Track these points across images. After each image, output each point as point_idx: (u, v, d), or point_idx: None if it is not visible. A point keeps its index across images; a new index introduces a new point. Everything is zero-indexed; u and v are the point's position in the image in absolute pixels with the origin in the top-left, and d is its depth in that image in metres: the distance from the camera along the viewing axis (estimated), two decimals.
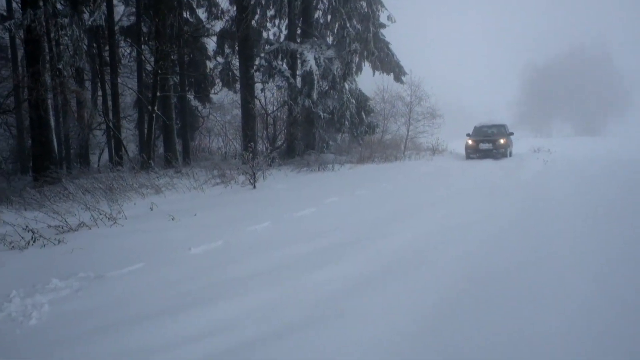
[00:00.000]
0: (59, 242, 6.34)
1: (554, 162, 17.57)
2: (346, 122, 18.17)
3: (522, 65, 72.26)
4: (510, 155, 21.18)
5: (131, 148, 21.39)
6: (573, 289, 4.22)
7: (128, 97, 23.33)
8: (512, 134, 21.69)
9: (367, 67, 22.57)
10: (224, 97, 23.98)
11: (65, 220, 7.25)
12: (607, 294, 4.08)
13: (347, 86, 17.91)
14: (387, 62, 22.18)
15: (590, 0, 76.01)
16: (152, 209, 8.66)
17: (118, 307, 4.14)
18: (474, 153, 20.13)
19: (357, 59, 21.35)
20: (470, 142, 20.46)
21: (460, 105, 58.44)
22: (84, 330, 3.67)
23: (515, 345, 3.27)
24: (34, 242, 6.28)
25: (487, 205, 8.75)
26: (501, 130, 21.37)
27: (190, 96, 22.00)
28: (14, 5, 17.58)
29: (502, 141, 19.86)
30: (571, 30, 71.28)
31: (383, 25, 21.34)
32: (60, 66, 12.83)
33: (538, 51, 71.21)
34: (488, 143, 19.93)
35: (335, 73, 17.66)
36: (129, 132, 23.60)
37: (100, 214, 7.62)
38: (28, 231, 6.41)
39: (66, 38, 12.67)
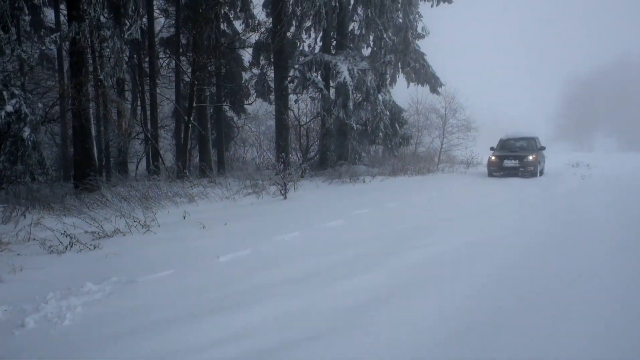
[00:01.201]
0: (95, 247, 6.57)
1: (592, 177, 17.10)
2: (380, 134, 18.19)
3: (563, 77, 70.58)
4: (542, 173, 18.53)
5: (168, 157, 21.93)
6: (599, 311, 4.13)
7: (166, 107, 23.96)
8: (543, 148, 18.98)
9: (401, 78, 22.57)
10: (259, 107, 24.36)
11: (102, 227, 7.51)
12: (632, 316, 3.98)
13: (380, 97, 17.94)
14: (422, 74, 22.11)
15: (634, 8, 73.80)
16: (184, 218, 8.87)
17: (147, 311, 4.27)
18: (497, 171, 17.69)
19: (392, 71, 21.37)
20: (493, 158, 17.92)
21: (497, 118, 57.45)
22: (114, 333, 3.80)
23: None
24: (72, 247, 6.52)
25: (517, 220, 8.62)
26: (531, 144, 18.65)
27: (226, 107, 22.42)
28: (62, 19, 18.41)
29: (530, 158, 17.14)
30: (615, 40, 69.38)
31: (420, 36, 21.30)
32: (102, 77, 13.33)
33: (580, 62, 69.46)
34: (514, 159, 17.33)
35: (369, 84, 17.71)
36: (166, 142, 24.20)
37: (135, 222, 7.85)
38: (66, 236, 6.67)
39: (108, 50, 13.18)
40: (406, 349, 3.44)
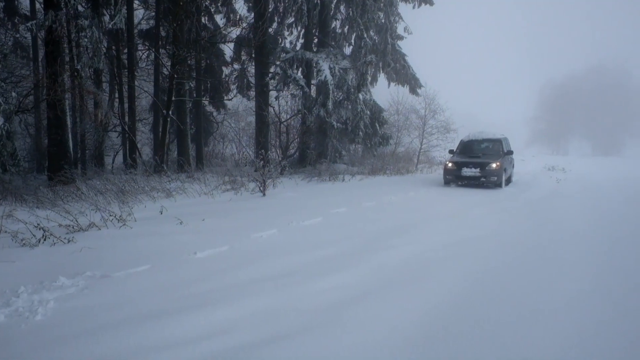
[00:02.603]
0: (69, 241, 6.45)
1: (568, 181, 17.45)
2: (360, 133, 18.25)
3: (541, 82, 71.81)
4: (509, 182, 16.40)
5: (146, 151, 21.65)
6: (577, 308, 4.22)
7: (144, 100, 23.62)
8: (511, 152, 16.23)
9: (382, 78, 22.70)
10: (239, 103, 24.21)
11: (76, 220, 7.37)
12: (613, 311, 4.08)
13: (361, 97, 18.00)
14: (402, 74, 22.27)
15: (610, 17, 75.47)
16: (161, 213, 8.76)
17: (122, 306, 4.21)
18: (454, 180, 15.23)
19: (373, 70, 21.47)
20: (449, 164, 15.27)
21: (476, 119, 58.23)
22: (88, 328, 3.74)
23: None
24: (45, 240, 6.39)
25: (493, 221, 8.74)
26: (496, 147, 15.97)
27: (205, 102, 22.23)
28: (37, 6, 17.99)
29: (494, 165, 14.39)
30: (590, 47, 70.85)
31: (400, 37, 21.45)
32: (79, 67, 13.07)
33: (557, 67, 70.77)
34: (474, 167, 14.64)
35: (349, 83, 17.77)
36: (143, 136, 23.88)
37: (111, 215, 7.74)
38: (39, 229, 6.54)
39: (86, 40, 12.93)
40: (383, 348, 3.46)
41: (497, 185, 14.61)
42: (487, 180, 14.50)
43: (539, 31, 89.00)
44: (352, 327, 3.82)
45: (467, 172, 14.69)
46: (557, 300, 4.47)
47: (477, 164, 14.67)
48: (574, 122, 68.07)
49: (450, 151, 16.71)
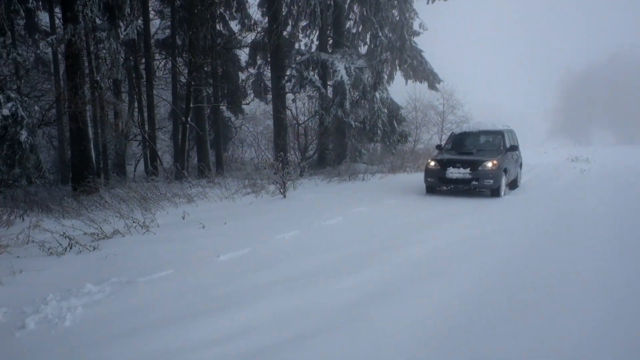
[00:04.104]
0: (94, 248, 6.54)
1: (591, 171, 17.11)
2: (378, 131, 18.16)
3: (561, 73, 70.65)
4: (515, 186, 13.19)
5: (166, 159, 21.88)
6: (594, 306, 4.15)
7: (162, 108, 23.92)
8: (515, 148, 12.53)
9: (399, 76, 22.59)
10: (256, 108, 24.35)
11: (101, 228, 7.48)
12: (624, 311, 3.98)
13: (378, 95, 17.93)
14: (420, 71, 22.14)
15: (631, 3, 73.86)
16: (183, 218, 8.84)
17: (147, 311, 4.25)
18: (438, 183, 11.75)
19: (389, 68, 21.39)
20: (432, 163, 11.88)
21: (496, 113, 57.50)
22: (115, 333, 3.79)
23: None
24: (71, 248, 6.50)
25: (513, 215, 8.63)
26: (496, 141, 12.58)
27: (223, 107, 22.40)
28: (57, 22, 18.36)
29: (489, 165, 11.05)
30: (610, 34, 69.45)
31: (416, 33, 21.29)
32: (98, 78, 13.30)
33: (577, 57, 69.53)
34: (462, 167, 11.23)
35: (366, 82, 17.71)
36: (163, 144, 24.17)
37: (134, 222, 7.83)
38: (65, 238, 6.65)
39: (104, 51, 13.14)
40: (407, 345, 3.43)
41: (494, 192, 11.22)
42: (480, 185, 11.09)
43: (556, 20, 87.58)
44: (377, 325, 3.81)
45: (453, 173, 11.23)
46: (580, 295, 4.38)
47: (467, 163, 11.23)
48: (596, 111, 66.82)
49: (438, 147, 13.56)
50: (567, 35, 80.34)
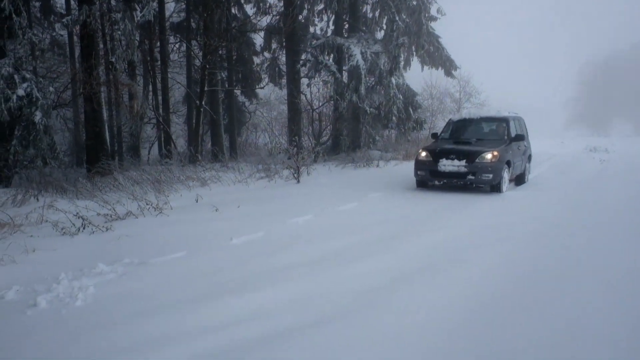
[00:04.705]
0: (107, 229, 6.51)
1: (611, 162, 16.73)
2: (393, 118, 17.95)
3: (579, 61, 69.31)
4: (521, 182, 11.48)
5: (180, 143, 21.90)
6: (618, 293, 4.00)
7: (177, 92, 23.89)
8: (520, 138, 10.93)
9: (415, 63, 22.25)
10: (270, 92, 24.22)
11: (114, 209, 7.45)
12: None
13: (394, 81, 17.67)
14: (437, 57, 21.76)
15: None
16: (197, 201, 8.79)
17: (159, 292, 4.20)
18: (428, 177, 10.19)
19: (406, 54, 21.05)
20: (422, 154, 10.39)
21: (514, 102, 56.70)
22: (126, 313, 3.74)
23: (551, 348, 3.11)
24: (84, 229, 6.47)
25: (532, 205, 8.46)
26: (500, 130, 10.98)
27: (237, 92, 22.29)
28: (72, 4, 18.33)
29: (488, 156, 9.57)
30: (632, 25, 67.86)
31: (434, 18, 20.88)
32: (113, 60, 13.24)
33: (597, 47, 68.11)
34: (458, 158, 9.72)
35: (382, 67, 17.47)
36: (177, 127, 24.18)
37: (147, 204, 7.79)
38: (79, 218, 6.62)
39: (119, 32, 13.06)
40: (423, 331, 3.33)
41: (494, 187, 9.81)
42: (477, 180, 9.61)
43: (577, 8, 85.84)
44: (393, 311, 3.71)
45: (446, 165, 9.74)
46: (602, 283, 4.23)
47: (463, 154, 9.73)
48: (616, 102, 65.52)
49: (434, 135, 11.86)
50: (588, 24, 78.70)
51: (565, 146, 27.05)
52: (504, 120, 11.04)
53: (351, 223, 6.95)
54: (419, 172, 10.30)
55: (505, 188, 9.91)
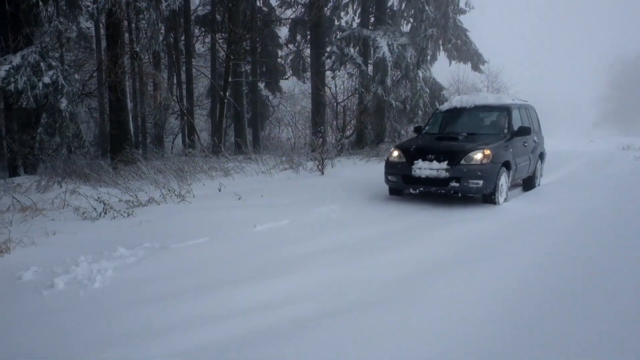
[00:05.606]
0: (129, 215, 6.39)
1: None
2: (419, 112, 17.55)
3: (609, 59, 67.51)
4: (530, 186, 9.35)
5: (203, 137, 21.88)
6: None
7: (201, 86, 23.90)
8: (525, 131, 8.17)
9: (442, 57, 21.81)
10: (294, 86, 24.03)
11: (136, 196, 7.33)
12: None
13: (420, 74, 17.30)
14: (464, 51, 21.28)
15: None
16: (220, 190, 8.62)
17: (179, 276, 4.04)
18: (402, 183, 7.71)
19: (432, 48, 20.63)
20: (394, 153, 7.98)
21: (543, 99, 55.58)
22: (145, 296, 3.58)
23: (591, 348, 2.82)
24: (105, 214, 6.37)
25: (572, 196, 8.09)
26: (499, 121, 8.55)
27: (261, 86, 22.18)
28: None
29: (478, 156, 7.15)
30: None
31: (462, 11, 20.41)
32: (138, 49, 13.21)
33: (629, 44, 66.23)
34: (437, 159, 7.28)
35: (408, 60, 17.11)
36: (201, 120, 24.18)
37: (169, 192, 7.66)
38: (100, 203, 6.52)
39: (144, 22, 13.02)
40: (452, 324, 3.07)
41: (488, 197, 7.41)
42: (462, 187, 7.17)
43: (608, 5, 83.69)
44: (420, 302, 3.47)
45: (422, 169, 7.33)
46: None
47: (444, 154, 7.33)
48: None
49: (417, 129, 9.48)
50: (619, 21, 76.66)
51: (595, 145, 26.29)
52: (504, 109, 8.56)
53: (379, 213, 6.76)
54: (389, 178, 7.93)
55: (502, 199, 7.54)
